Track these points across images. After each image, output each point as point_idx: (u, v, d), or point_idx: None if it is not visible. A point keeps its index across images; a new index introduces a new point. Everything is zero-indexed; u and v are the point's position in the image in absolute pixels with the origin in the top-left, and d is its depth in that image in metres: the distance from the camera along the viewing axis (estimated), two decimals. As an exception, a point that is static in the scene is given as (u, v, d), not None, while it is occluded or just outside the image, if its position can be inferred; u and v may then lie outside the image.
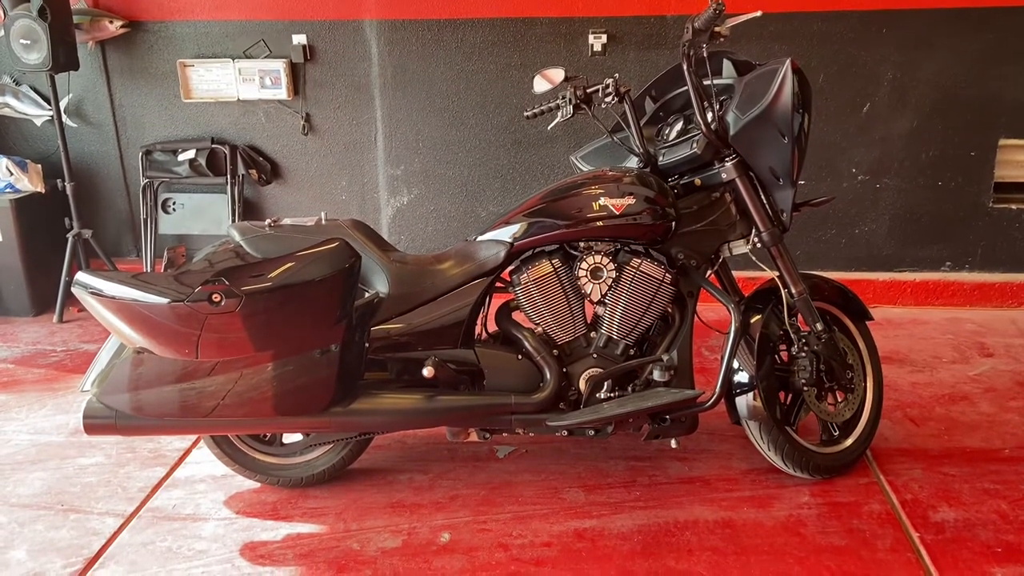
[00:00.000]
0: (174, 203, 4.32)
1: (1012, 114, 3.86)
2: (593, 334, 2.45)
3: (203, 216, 4.30)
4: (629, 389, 2.42)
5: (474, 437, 2.47)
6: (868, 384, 2.66)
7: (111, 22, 4.00)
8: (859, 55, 3.84)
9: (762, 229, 2.39)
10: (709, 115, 2.31)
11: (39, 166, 4.14)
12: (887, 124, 3.92)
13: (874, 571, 2.18)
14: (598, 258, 2.38)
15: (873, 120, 3.92)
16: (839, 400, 2.61)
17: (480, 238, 2.44)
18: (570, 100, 2.52)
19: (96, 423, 2.22)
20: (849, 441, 2.61)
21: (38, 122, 4.25)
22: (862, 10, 3.78)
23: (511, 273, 2.44)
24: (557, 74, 2.52)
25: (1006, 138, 3.91)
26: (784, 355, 2.57)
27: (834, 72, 3.87)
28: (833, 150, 3.96)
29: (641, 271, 2.37)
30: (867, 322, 2.69)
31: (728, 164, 2.36)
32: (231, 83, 4.11)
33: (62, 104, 4.07)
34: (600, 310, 2.44)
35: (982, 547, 2.26)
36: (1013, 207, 3.99)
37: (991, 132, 3.90)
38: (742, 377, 2.44)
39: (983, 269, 4.07)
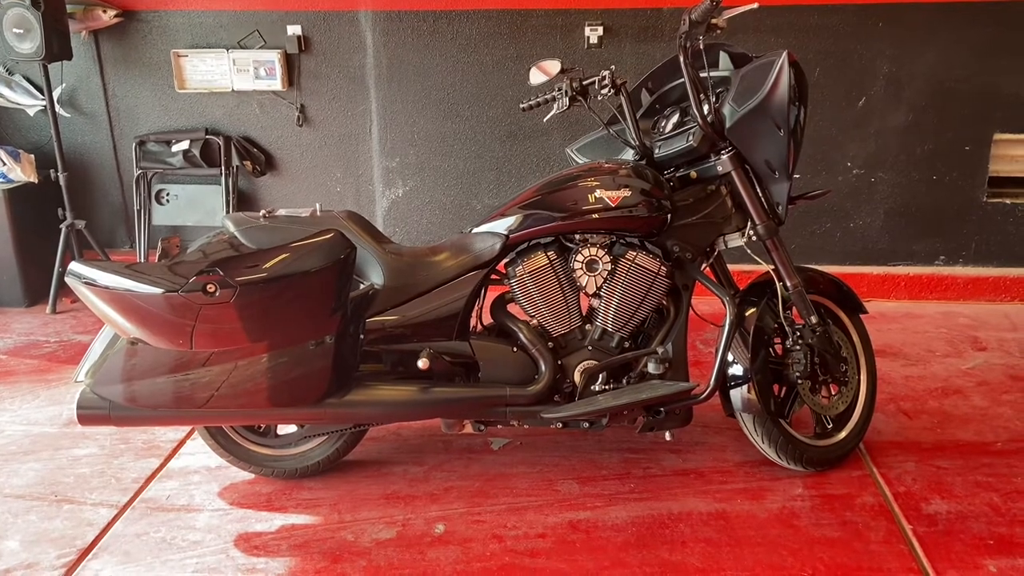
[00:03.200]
0: (168, 194, 4.30)
1: (1007, 109, 3.87)
2: (588, 326, 2.45)
3: (197, 207, 4.29)
4: (624, 381, 2.43)
5: (469, 429, 2.48)
6: (862, 377, 2.67)
7: (104, 11, 3.97)
8: (855, 49, 3.85)
9: (757, 222, 2.39)
10: (705, 107, 2.31)
11: (32, 156, 4.12)
12: (882, 118, 3.92)
13: (867, 563, 2.19)
14: (594, 250, 2.38)
15: (869, 114, 3.93)
16: (833, 393, 2.62)
17: (475, 230, 2.44)
18: (566, 92, 2.51)
19: (90, 414, 2.22)
20: (843, 434, 2.62)
21: (31, 112, 4.23)
22: (859, 3, 3.78)
23: (506, 265, 2.43)
24: (553, 66, 2.51)
25: (1001, 133, 3.91)
26: (778, 348, 2.57)
27: (830, 65, 3.87)
28: (829, 144, 3.97)
29: (636, 264, 2.37)
30: (861, 315, 2.70)
31: (724, 157, 2.36)
32: (225, 73, 4.09)
33: (55, 94, 4.05)
34: (595, 302, 2.44)
35: (974, 539, 2.28)
36: (1007, 201, 4.00)
37: (986, 126, 3.90)
38: (736, 370, 2.45)
39: (977, 263, 4.09)
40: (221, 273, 2.02)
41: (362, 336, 2.31)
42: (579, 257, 2.39)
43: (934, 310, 3.98)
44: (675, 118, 2.50)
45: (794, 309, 2.53)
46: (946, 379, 3.24)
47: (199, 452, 2.72)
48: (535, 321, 2.43)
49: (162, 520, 2.41)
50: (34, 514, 2.44)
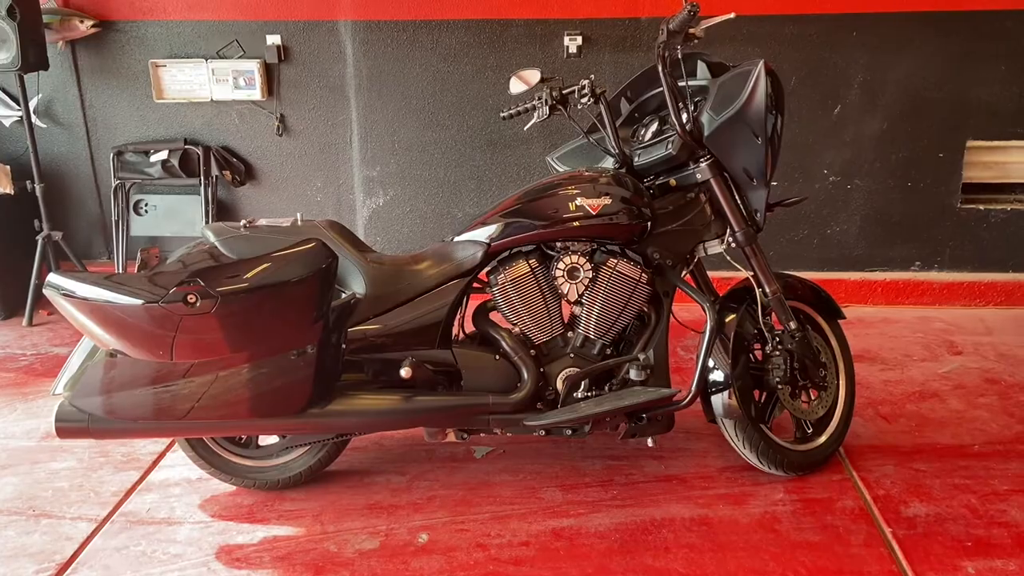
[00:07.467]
0: (146, 205, 4.26)
1: (979, 116, 3.93)
2: (570, 334, 2.46)
3: (176, 218, 4.25)
4: (606, 388, 2.43)
5: (452, 438, 2.47)
6: (841, 382, 2.70)
7: (81, 21, 3.94)
8: (830, 58, 3.90)
9: (736, 229, 2.42)
10: (684, 116, 2.34)
11: (8, 167, 4.07)
12: (858, 126, 3.97)
13: (847, 566, 2.21)
14: (575, 258, 2.40)
15: (844, 122, 3.98)
16: (812, 398, 2.64)
17: (457, 239, 2.44)
18: (546, 101, 2.53)
19: (68, 426, 2.19)
20: (822, 438, 2.64)
21: (7, 123, 4.18)
22: (834, 13, 3.82)
23: (488, 273, 2.44)
24: (533, 75, 2.53)
25: (974, 140, 3.97)
26: (758, 354, 2.60)
27: (806, 74, 3.92)
28: (805, 151, 4.01)
29: (617, 271, 2.39)
30: (839, 321, 2.73)
31: (703, 165, 2.38)
32: (204, 83, 4.07)
33: (31, 104, 4.01)
34: (577, 310, 2.45)
35: (952, 541, 2.30)
36: (980, 207, 4.06)
37: (959, 134, 3.96)
38: (717, 376, 2.47)
39: (952, 269, 4.14)
40: (201, 283, 2.01)
41: (344, 345, 2.31)
42: (560, 265, 2.40)
43: (911, 315, 4.03)
44: (654, 127, 2.52)
45: (773, 315, 2.55)
46: (923, 383, 3.28)
47: (179, 464, 2.70)
48: (517, 329, 2.43)
49: (142, 533, 2.38)
50: (12, 529, 2.41)
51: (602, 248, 2.44)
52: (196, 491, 2.58)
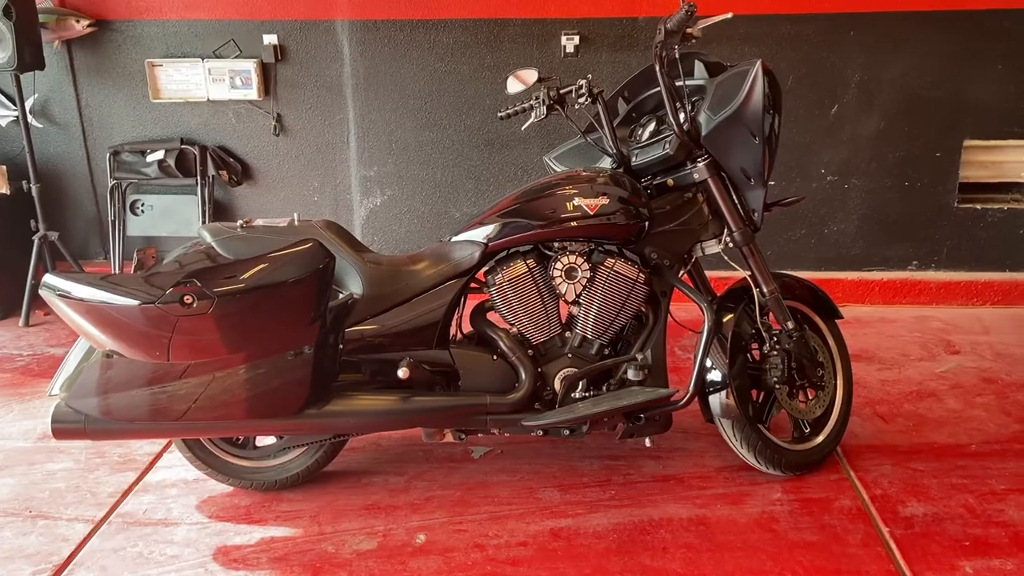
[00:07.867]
0: (142, 205, 4.26)
1: (976, 115, 3.93)
2: (568, 334, 2.46)
3: (172, 218, 4.25)
4: (604, 388, 2.43)
5: (449, 438, 2.47)
6: (838, 382, 2.70)
7: (78, 21, 3.94)
8: (828, 57, 3.90)
9: (734, 229, 2.42)
10: (681, 116, 2.33)
11: (4, 167, 4.06)
12: (855, 125, 3.98)
13: (845, 566, 2.21)
14: (572, 258, 2.39)
15: (841, 121, 3.98)
16: (810, 398, 2.64)
17: (455, 239, 2.44)
18: (543, 101, 2.53)
19: (65, 427, 2.18)
20: (820, 438, 2.64)
21: (3, 123, 4.17)
22: (831, 13, 3.83)
23: (486, 274, 2.44)
24: (530, 75, 2.53)
25: (970, 139, 3.98)
26: (756, 353, 2.59)
27: (803, 74, 3.92)
28: (802, 151, 4.01)
29: (615, 271, 2.38)
30: (837, 320, 2.73)
31: (700, 164, 2.38)
32: (201, 83, 4.06)
33: (27, 104, 4.00)
34: (575, 310, 2.45)
35: (950, 541, 2.30)
36: (978, 207, 4.06)
37: (956, 133, 3.97)
38: (715, 376, 2.46)
39: (949, 268, 4.14)
40: (198, 284, 2.00)
41: (341, 346, 2.30)
42: (558, 265, 2.39)
43: (908, 314, 4.03)
44: (652, 126, 2.52)
45: (771, 315, 2.55)
46: (920, 382, 3.28)
47: (176, 465, 2.69)
48: (515, 329, 2.43)
49: (139, 535, 2.38)
50: (8, 530, 2.41)
51: (600, 248, 2.43)
52: (193, 492, 2.57)
